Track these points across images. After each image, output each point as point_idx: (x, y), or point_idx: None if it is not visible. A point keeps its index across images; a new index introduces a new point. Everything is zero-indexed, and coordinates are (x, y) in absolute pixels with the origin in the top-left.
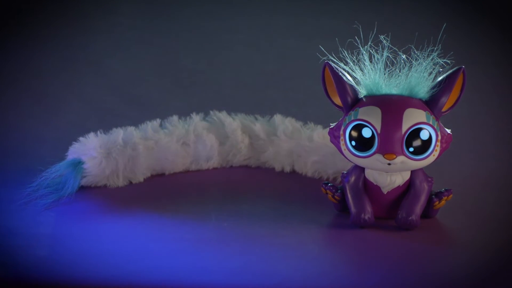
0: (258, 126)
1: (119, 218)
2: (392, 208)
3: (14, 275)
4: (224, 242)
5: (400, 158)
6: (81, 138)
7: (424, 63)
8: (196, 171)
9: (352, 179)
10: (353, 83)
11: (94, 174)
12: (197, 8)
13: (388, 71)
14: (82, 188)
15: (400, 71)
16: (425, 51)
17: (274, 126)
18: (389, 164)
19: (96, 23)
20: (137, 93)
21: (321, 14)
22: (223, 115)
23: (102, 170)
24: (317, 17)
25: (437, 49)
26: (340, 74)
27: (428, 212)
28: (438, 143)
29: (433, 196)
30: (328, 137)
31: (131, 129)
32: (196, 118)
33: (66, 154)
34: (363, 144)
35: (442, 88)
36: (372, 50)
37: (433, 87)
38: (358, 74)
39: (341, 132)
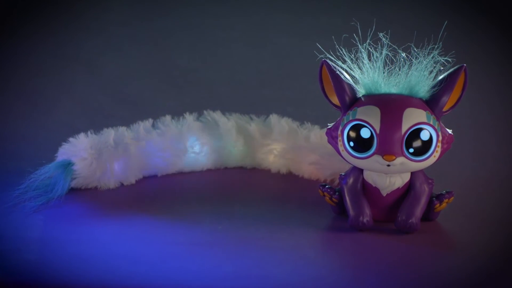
0: (254, 126)
1: (110, 221)
2: (391, 211)
3: (1, 279)
4: (218, 246)
5: (400, 159)
6: (71, 139)
7: (424, 62)
8: (189, 172)
9: (350, 181)
10: (351, 82)
11: (84, 175)
12: (191, 5)
13: (388, 69)
14: (72, 190)
15: (399, 70)
16: (425, 49)
17: (270, 126)
18: (388, 165)
19: (87, 20)
20: (129, 92)
21: (318, 11)
22: (217, 115)
23: (92, 171)
24: (314, 14)
25: (437, 47)
26: (338, 72)
27: (428, 215)
28: (439, 144)
29: (434, 199)
30: (326, 138)
31: (122, 129)
32: (189, 118)
33: (56, 155)
34: (361, 145)
35: (443, 87)
36: (371, 48)
37: (434, 86)
38: (357, 73)
39: (339, 132)
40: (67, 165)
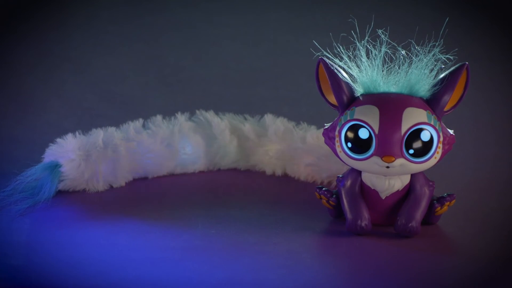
0: (248, 126)
1: (99, 225)
2: (390, 214)
3: None
4: (211, 251)
5: (399, 161)
6: (58, 139)
7: (425, 59)
8: (181, 174)
9: (348, 183)
10: (349, 80)
11: (72, 178)
12: (183, 1)
13: (387, 67)
14: (60, 193)
15: (399, 68)
16: (426, 46)
17: (265, 127)
18: (387, 167)
19: (74, 16)
20: (118, 91)
21: (315, 7)
22: (210, 115)
23: (80, 173)
24: (311, 10)
25: (439, 44)
26: (335, 71)
27: (429, 218)
28: (440, 145)
29: (435, 202)
30: (322, 139)
31: (112, 129)
32: (181, 118)
33: (43, 156)
34: (359, 146)
35: (444, 86)
36: (369, 45)
37: (435, 85)
38: (355, 71)
39: (336, 133)
40: (54, 166)
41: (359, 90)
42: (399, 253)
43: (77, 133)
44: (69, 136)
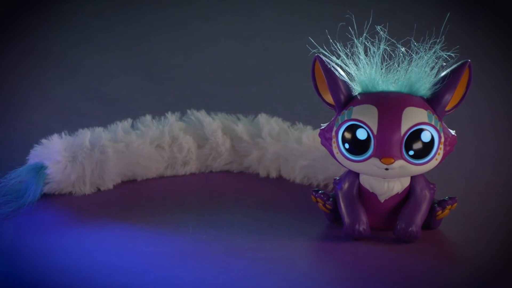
0: (241, 126)
1: (85, 230)
2: (390, 218)
3: None
4: (202, 257)
5: (399, 163)
6: (43, 140)
7: (425, 57)
8: (171, 177)
9: (346, 186)
10: (346, 79)
11: (58, 180)
12: None
13: (386, 65)
14: (45, 196)
15: (398, 66)
16: (426, 43)
17: (259, 127)
18: (386, 169)
19: (59, 10)
20: (105, 89)
21: (311, 2)
22: (201, 115)
23: (67, 175)
24: (307, 5)
25: (440, 41)
26: (332, 68)
27: (430, 222)
28: (441, 146)
29: (436, 205)
30: (319, 139)
31: (99, 130)
32: (171, 118)
33: (27, 158)
34: (357, 147)
35: (445, 85)
36: (367, 42)
37: (436, 84)
38: (352, 69)
39: (333, 133)
40: (39, 168)
41: (357, 89)
42: (398, 259)
43: (63, 133)
44: (55, 137)
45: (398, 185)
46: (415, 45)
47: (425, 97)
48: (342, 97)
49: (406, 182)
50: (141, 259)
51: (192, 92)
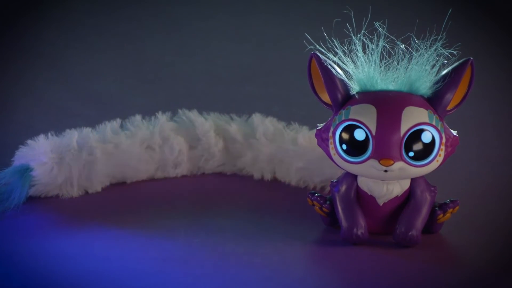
0: (234, 127)
1: (73, 234)
2: (389, 222)
3: None
4: (194, 262)
5: (399, 164)
6: (29, 141)
7: (426, 54)
8: (162, 179)
9: (343, 188)
10: (344, 77)
11: (44, 182)
12: None
13: (385, 63)
14: (30, 199)
15: (398, 64)
16: (427, 40)
17: (253, 127)
18: (385, 171)
19: (47, 7)
20: (94, 88)
21: None
22: (193, 115)
23: (53, 178)
24: (303, 1)
25: (441, 38)
26: (329, 66)
27: (430, 226)
28: (442, 147)
29: (437, 208)
30: (315, 140)
31: (87, 130)
32: (162, 118)
33: (12, 159)
34: (355, 148)
35: (447, 83)
36: (366, 39)
37: (437, 82)
38: (350, 67)
39: (330, 134)
40: (25, 170)
41: (354, 88)
42: (397, 264)
43: (49, 134)
44: (41, 138)
45: (398, 188)
46: (415, 42)
47: (426, 96)
48: (339, 96)
49: (406, 184)
50: (131, 265)
51: (184, 91)
